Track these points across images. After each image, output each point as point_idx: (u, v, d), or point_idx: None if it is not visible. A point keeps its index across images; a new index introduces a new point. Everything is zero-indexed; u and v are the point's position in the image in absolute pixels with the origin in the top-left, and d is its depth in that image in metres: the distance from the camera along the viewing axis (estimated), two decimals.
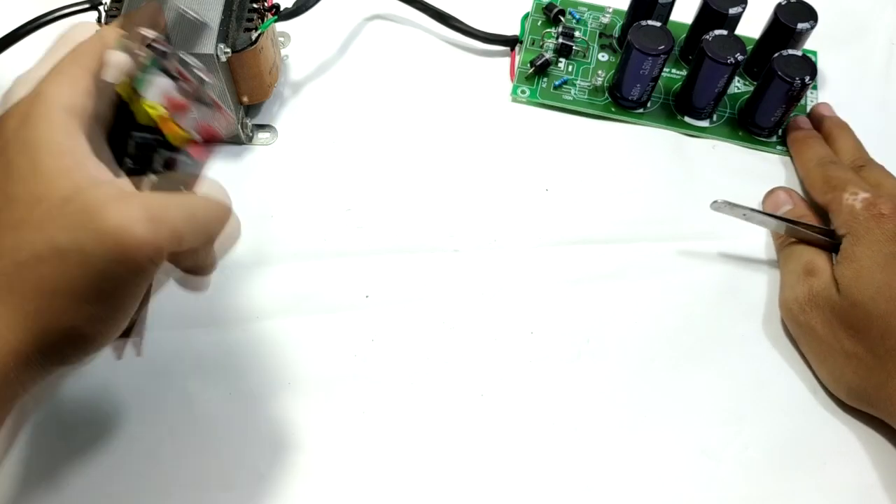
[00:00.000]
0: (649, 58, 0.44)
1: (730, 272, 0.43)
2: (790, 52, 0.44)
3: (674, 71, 0.50)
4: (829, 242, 0.39)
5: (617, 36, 0.51)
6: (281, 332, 0.40)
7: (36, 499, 0.35)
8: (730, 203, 0.39)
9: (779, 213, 0.42)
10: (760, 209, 0.43)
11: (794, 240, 0.41)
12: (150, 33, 0.28)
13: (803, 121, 0.47)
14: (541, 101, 0.48)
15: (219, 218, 0.28)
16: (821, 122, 0.46)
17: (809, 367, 0.39)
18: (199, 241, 0.27)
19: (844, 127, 0.45)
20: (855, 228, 0.38)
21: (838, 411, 0.38)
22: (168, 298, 0.40)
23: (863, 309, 0.35)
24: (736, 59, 0.43)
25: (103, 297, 0.25)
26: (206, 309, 0.40)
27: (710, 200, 0.39)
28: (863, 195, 0.38)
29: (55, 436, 0.36)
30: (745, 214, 0.40)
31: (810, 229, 0.40)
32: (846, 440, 0.37)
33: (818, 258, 0.39)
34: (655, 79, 0.46)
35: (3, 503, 0.35)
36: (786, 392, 0.39)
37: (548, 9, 0.51)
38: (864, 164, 0.42)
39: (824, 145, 0.45)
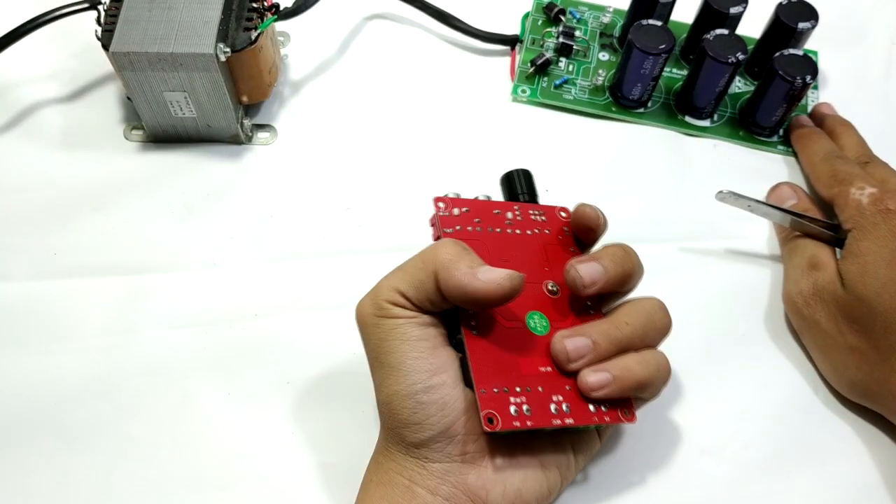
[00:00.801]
0: (650, 57, 0.44)
1: (731, 271, 0.43)
2: (791, 51, 0.44)
3: (674, 70, 0.50)
4: (833, 237, 0.39)
5: (617, 35, 0.51)
6: (280, 330, 0.40)
7: (35, 498, 0.35)
8: (734, 193, 0.39)
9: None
10: (765, 201, 0.43)
11: (797, 234, 0.41)
12: None
13: (805, 119, 0.47)
14: (541, 100, 0.48)
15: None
16: (823, 121, 0.46)
17: (811, 363, 0.39)
18: (449, 293, 0.29)
19: (847, 124, 0.45)
20: (861, 223, 0.38)
21: (840, 409, 0.38)
22: (167, 297, 0.40)
23: (867, 304, 0.35)
24: (737, 58, 0.43)
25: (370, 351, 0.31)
26: (205, 308, 0.40)
27: (711, 201, 0.39)
28: (870, 190, 0.38)
29: (55, 436, 0.36)
30: (749, 206, 0.40)
31: (814, 223, 0.40)
32: (847, 438, 0.37)
33: (822, 252, 0.39)
34: (656, 78, 0.46)
35: (6, 503, 0.35)
36: (787, 390, 0.39)
37: (548, 8, 0.51)
38: (868, 161, 0.42)
39: (829, 140, 0.45)
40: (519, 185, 0.36)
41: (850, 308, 0.36)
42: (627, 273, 0.33)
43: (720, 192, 0.39)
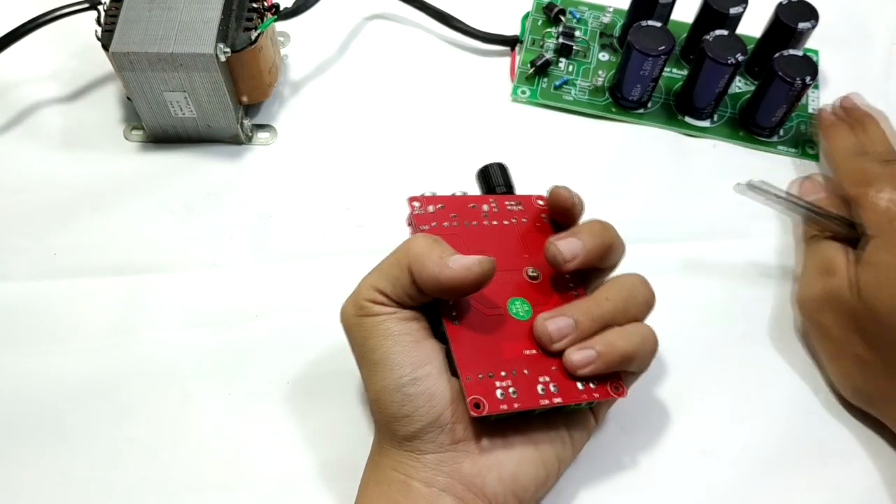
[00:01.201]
0: (650, 58, 0.44)
1: (731, 272, 0.43)
2: (791, 51, 0.44)
3: (674, 71, 0.50)
4: (852, 234, 0.38)
5: (617, 36, 0.51)
6: (280, 331, 0.40)
7: (35, 499, 0.35)
8: (755, 186, 0.37)
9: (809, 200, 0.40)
10: (787, 193, 0.40)
11: (817, 233, 0.40)
12: None
13: (828, 114, 0.45)
14: (541, 101, 0.48)
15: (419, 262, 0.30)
16: (851, 112, 0.45)
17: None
18: (423, 285, 0.30)
19: (870, 117, 0.44)
20: (884, 231, 0.37)
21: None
22: (167, 297, 0.40)
23: (879, 318, 0.35)
24: (737, 59, 0.43)
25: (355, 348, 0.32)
26: (205, 309, 0.40)
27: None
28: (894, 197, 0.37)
29: (55, 436, 0.36)
30: (768, 200, 0.38)
31: (835, 220, 0.39)
32: (848, 441, 0.37)
33: (838, 257, 0.38)
34: (656, 79, 0.46)
35: (6, 503, 0.35)
36: (787, 392, 0.39)
37: (548, 8, 0.51)
38: (893, 159, 0.41)
39: (855, 135, 0.43)
40: (494, 178, 0.37)
41: (862, 319, 0.35)
42: (606, 245, 0.33)
43: (738, 184, 0.37)
